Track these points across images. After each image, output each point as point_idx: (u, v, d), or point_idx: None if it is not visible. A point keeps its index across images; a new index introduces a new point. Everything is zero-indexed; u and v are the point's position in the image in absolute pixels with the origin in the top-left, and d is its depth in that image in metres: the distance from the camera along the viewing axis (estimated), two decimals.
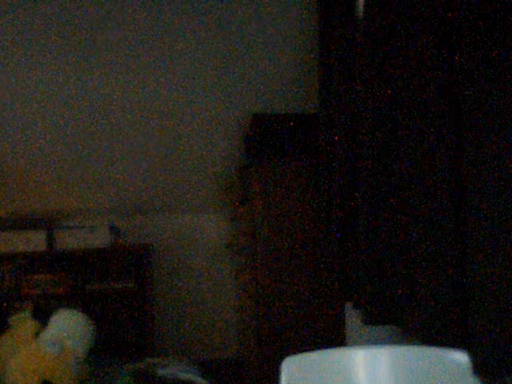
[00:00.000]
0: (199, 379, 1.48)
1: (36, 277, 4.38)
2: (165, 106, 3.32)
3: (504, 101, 1.30)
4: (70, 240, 4.44)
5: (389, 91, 1.97)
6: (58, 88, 3.13)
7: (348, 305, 2.53)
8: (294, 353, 1.21)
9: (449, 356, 1.16)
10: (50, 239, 4.44)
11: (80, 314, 2.10)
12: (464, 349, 1.16)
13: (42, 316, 2.03)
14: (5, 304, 4.22)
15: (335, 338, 2.81)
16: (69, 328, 1.94)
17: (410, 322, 1.73)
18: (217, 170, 4.01)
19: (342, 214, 2.27)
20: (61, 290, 4.37)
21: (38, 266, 4.44)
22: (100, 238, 4.45)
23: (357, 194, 2.16)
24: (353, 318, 2.61)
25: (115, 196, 4.31)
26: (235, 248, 4.08)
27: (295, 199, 3.12)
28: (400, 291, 1.88)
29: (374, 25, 2.13)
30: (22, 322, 2.03)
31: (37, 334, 1.95)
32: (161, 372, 1.45)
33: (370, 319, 1.96)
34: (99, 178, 4.03)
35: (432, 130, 1.59)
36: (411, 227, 1.71)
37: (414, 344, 1.68)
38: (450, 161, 1.55)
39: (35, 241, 4.39)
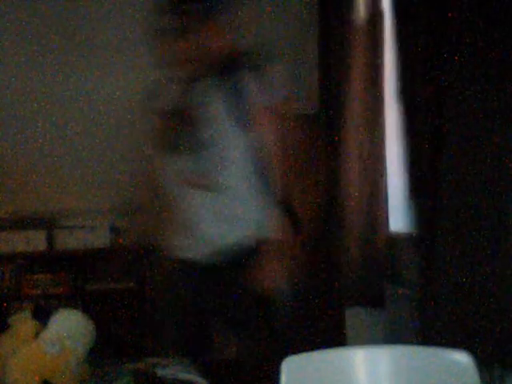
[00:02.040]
0: (199, 379, 1.48)
1: (36, 277, 4.36)
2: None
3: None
4: (69, 240, 4.43)
5: (389, 91, 1.97)
6: (58, 88, 3.12)
7: (346, 304, 2.53)
8: (294, 353, 1.20)
9: (449, 356, 1.16)
10: (50, 239, 4.43)
11: (80, 314, 2.10)
12: (464, 348, 1.16)
13: (42, 316, 2.03)
14: (5, 304, 4.22)
15: (335, 337, 2.81)
16: (69, 328, 1.94)
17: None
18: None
19: (340, 213, 2.27)
20: (61, 289, 4.35)
21: (38, 266, 4.42)
22: (100, 238, 4.44)
23: (356, 193, 2.16)
24: (353, 318, 2.60)
25: (115, 196, 4.30)
26: None
27: (295, 199, 3.10)
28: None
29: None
30: (22, 322, 2.02)
31: (37, 334, 1.95)
32: (161, 372, 1.45)
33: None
34: (99, 177, 4.03)
35: (433, 130, 1.59)
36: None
37: (413, 344, 1.68)
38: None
39: (35, 241, 4.38)
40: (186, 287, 1.80)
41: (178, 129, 1.68)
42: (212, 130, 1.65)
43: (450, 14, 1.45)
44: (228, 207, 1.69)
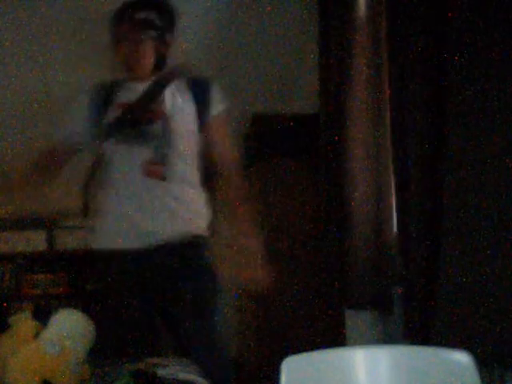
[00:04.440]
0: (199, 379, 1.48)
1: (36, 277, 4.37)
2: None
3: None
4: (69, 240, 4.44)
5: (389, 91, 1.97)
6: (58, 88, 3.12)
7: (346, 305, 2.53)
8: (294, 353, 1.20)
9: (449, 356, 1.16)
10: (50, 239, 4.44)
11: (80, 314, 2.10)
12: (464, 348, 1.16)
13: (42, 316, 2.04)
14: (5, 304, 4.22)
15: (335, 338, 2.81)
16: (69, 328, 1.94)
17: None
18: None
19: (341, 213, 2.27)
20: (61, 289, 4.37)
21: (38, 266, 4.43)
22: None
23: (356, 193, 2.16)
24: (353, 318, 2.60)
25: None
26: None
27: (295, 199, 3.11)
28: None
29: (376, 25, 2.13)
30: (22, 322, 2.03)
31: (37, 334, 1.95)
32: (161, 372, 1.45)
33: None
34: None
35: (433, 130, 1.59)
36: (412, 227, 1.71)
37: (413, 344, 1.68)
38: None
39: (35, 241, 4.39)
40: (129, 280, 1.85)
41: (137, 121, 1.84)
42: (167, 124, 1.81)
43: (449, 14, 1.45)
44: (176, 198, 1.82)
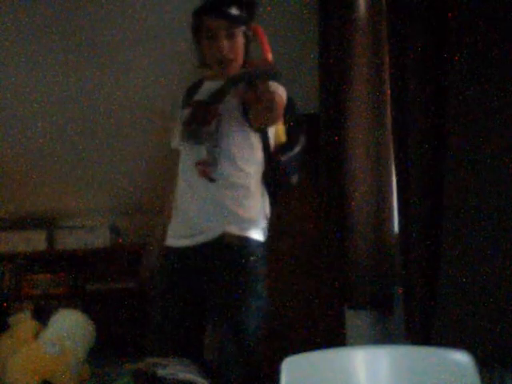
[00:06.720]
0: (199, 379, 1.48)
1: (36, 277, 4.37)
2: (165, 106, 3.32)
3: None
4: (69, 240, 4.44)
5: (389, 91, 1.97)
6: (58, 88, 3.13)
7: (347, 305, 2.53)
8: (294, 353, 1.20)
9: (449, 356, 1.16)
10: (50, 239, 4.44)
11: (80, 314, 2.10)
12: (464, 348, 1.16)
13: (42, 316, 2.04)
14: (5, 304, 4.22)
15: (335, 338, 2.81)
16: (69, 328, 1.94)
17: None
18: None
19: (341, 213, 2.27)
20: (61, 289, 4.36)
21: (38, 266, 4.43)
22: (100, 238, 4.45)
23: (356, 193, 2.16)
24: (353, 319, 2.61)
25: (115, 196, 4.31)
26: None
27: (295, 199, 3.11)
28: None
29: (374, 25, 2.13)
30: (22, 322, 2.03)
31: (37, 334, 1.96)
32: (161, 372, 1.45)
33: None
34: (99, 177, 4.03)
35: (432, 131, 1.59)
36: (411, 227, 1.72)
37: (413, 344, 1.68)
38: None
39: (35, 241, 4.39)
40: (174, 275, 1.82)
41: (202, 121, 1.81)
42: (218, 124, 1.78)
43: (449, 14, 1.45)
44: (219, 200, 1.76)
